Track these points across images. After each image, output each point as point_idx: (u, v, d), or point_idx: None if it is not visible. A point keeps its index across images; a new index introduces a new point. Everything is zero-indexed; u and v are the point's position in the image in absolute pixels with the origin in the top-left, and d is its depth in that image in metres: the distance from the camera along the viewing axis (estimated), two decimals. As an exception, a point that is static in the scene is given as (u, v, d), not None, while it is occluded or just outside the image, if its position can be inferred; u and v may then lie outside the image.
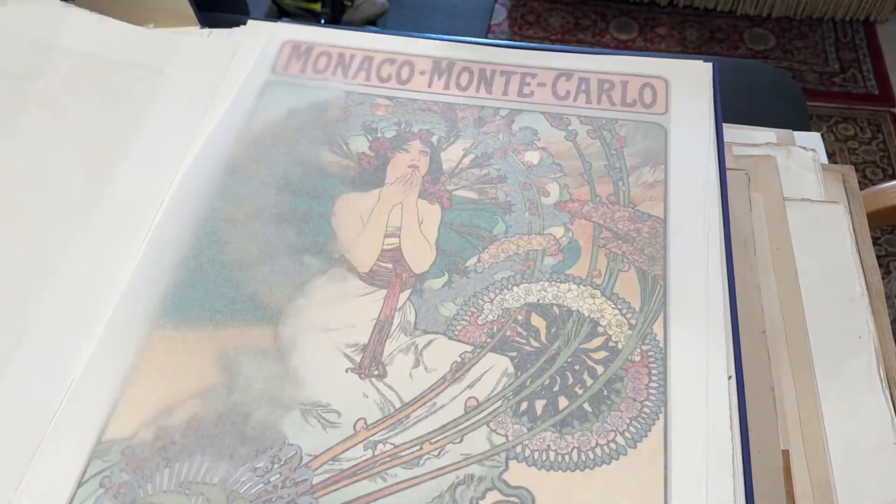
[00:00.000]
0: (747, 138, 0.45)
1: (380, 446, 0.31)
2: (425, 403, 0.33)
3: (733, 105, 0.47)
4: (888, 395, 0.35)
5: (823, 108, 1.58)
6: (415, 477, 0.31)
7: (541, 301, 0.36)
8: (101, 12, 0.48)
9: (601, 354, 0.34)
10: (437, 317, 0.35)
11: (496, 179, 0.41)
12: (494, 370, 0.34)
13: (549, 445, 0.31)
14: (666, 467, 0.31)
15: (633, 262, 0.37)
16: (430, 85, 0.45)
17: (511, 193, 0.40)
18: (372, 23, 1.69)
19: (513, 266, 0.37)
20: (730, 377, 0.33)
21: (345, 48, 0.47)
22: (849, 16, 1.75)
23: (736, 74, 0.51)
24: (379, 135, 0.43)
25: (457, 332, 0.35)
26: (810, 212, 0.41)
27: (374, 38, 0.48)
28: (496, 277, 0.37)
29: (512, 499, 0.30)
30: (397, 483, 0.30)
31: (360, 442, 0.31)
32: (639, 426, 0.32)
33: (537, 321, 0.35)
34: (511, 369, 0.34)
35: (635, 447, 0.31)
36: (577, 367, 0.34)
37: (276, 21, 0.48)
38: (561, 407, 0.33)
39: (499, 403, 0.33)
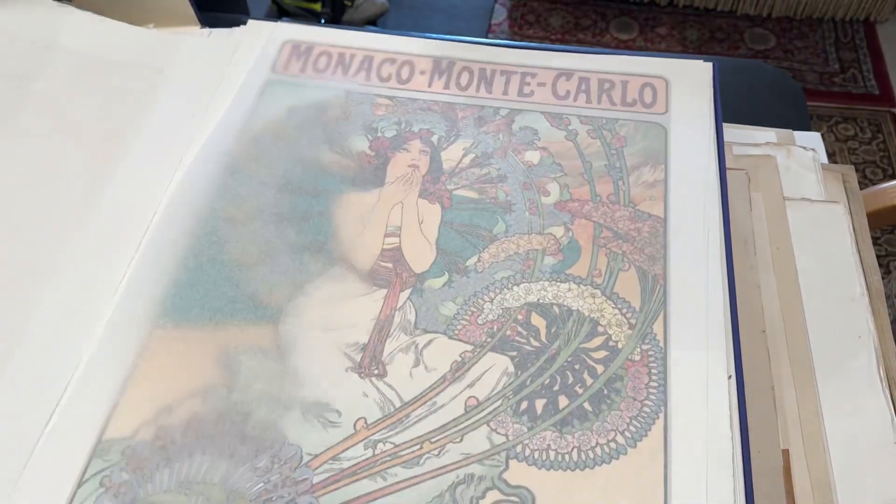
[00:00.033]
0: (747, 138, 0.45)
1: (380, 445, 0.31)
2: (425, 403, 0.33)
3: (733, 105, 0.47)
4: (888, 395, 0.35)
5: (823, 108, 1.58)
6: (415, 476, 0.31)
7: (541, 300, 0.36)
8: (101, 12, 0.48)
9: (601, 354, 0.34)
10: (438, 316, 0.35)
11: (496, 179, 0.41)
12: (494, 369, 0.34)
13: (549, 445, 0.31)
14: (666, 466, 0.31)
15: (633, 262, 0.37)
16: (430, 84, 0.45)
17: (511, 193, 0.40)
18: (372, 23, 1.69)
19: (513, 265, 0.37)
20: (730, 377, 0.33)
21: (345, 48, 0.47)
22: (849, 16, 1.75)
23: (736, 74, 0.51)
24: (379, 134, 0.43)
25: (457, 332, 0.35)
26: (810, 211, 0.41)
27: (374, 37, 0.48)
28: (496, 277, 0.37)
29: (512, 498, 0.30)
30: (397, 482, 0.30)
31: (361, 441, 0.31)
32: (639, 425, 0.32)
33: (537, 321, 0.35)
34: (511, 369, 0.34)
35: (635, 446, 0.31)
36: (577, 367, 0.34)
37: (276, 21, 0.48)
38: (561, 406, 0.33)
39: (499, 403, 0.33)
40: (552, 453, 0.31)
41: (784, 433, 0.33)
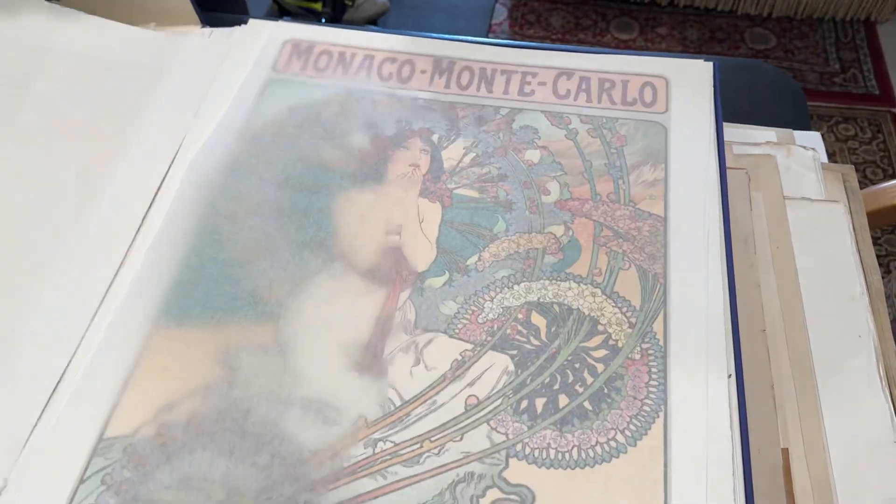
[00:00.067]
0: (747, 137, 0.45)
1: (380, 444, 0.31)
2: (425, 401, 0.33)
3: (734, 104, 0.47)
4: (888, 394, 0.35)
5: (824, 107, 1.58)
6: (415, 475, 0.31)
7: (541, 299, 0.36)
8: (102, 11, 0.48)
9: (601, 353, 0.34)
10: (438, 315, 0.35)
11: (497, 178, 0.41)
12: (495, 368, 0.34)
13: (549, 443, 0.31)
14: (666, 465, 0.31)
15: (633, 261, 0.37)
16: (430, 84, 0.45)
17: (511, 192, 0.40)
18: (373, 22, 1.69)
19: (513, 264, 0.37)
20: (729, 376, 0.33)
21: (346, 47, 0.47)
22: (849, 16, 1.75)
23: (736, 74, 0.51)
24: (379, 132, 0.43)
25: (457, 331, 0.35)
26: (810, 211, 0.41)
27: (374, 37, 0.48)
28: (497, 276, 0.37)
29: (512, 497, 0.30)
30: (397, 481, 0.30)
31: (361, 439, 0.32)
32: (639, 424, 0.32)
33: (537, 319, 0.35)
34: (511, 367, 0.34)
35: (635, 445, 0.31)
36: (577, 366, 0.34)
37: (276, 20, 0.48)
38: (561, 405, 0.33)
39: (499, 401, 0.33)
40: (552, 452, 0.31)
41: (784, 432, 0.34)
